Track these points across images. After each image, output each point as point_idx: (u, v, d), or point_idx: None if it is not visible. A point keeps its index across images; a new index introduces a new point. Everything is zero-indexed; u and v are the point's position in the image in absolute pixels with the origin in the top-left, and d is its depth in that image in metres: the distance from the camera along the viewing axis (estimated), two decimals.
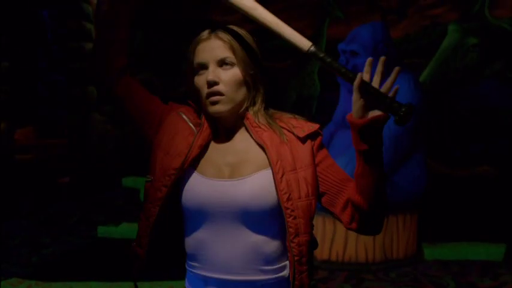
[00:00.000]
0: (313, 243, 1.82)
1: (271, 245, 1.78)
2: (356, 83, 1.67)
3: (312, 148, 1.81)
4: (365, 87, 1.66)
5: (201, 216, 1.80)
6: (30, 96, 9.58)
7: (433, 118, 8.18)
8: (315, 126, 1.84)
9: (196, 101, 1.87)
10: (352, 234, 5.16)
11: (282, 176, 1.74)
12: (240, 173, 1.78)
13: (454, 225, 6.19)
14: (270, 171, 1.76)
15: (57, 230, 6.59)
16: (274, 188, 1.75)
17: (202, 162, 1.83)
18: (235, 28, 1.87)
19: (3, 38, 7.16)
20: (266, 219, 1.77)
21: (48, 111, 9.90)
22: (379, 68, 1.71)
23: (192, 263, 1.86)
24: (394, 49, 5.51)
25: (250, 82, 1.81)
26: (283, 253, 1.81)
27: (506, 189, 6.97)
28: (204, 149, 1.84)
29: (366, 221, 1.80)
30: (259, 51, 1.87)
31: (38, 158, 9.56)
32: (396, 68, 1.68)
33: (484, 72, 8.06)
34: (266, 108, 1.85)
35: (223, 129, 1.86)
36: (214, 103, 1.78)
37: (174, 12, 10.09)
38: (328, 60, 1.73)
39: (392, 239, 5.29)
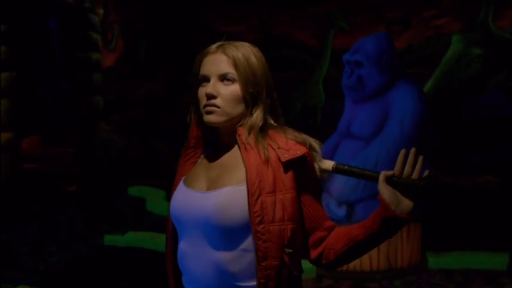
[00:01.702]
0: (287, 268, 1.76)
1: (240, 263, 1.76)
2: (380, 180, 1.75)
3: (296, 173, 1.77)
4: (390, 182, 1.75)
5: (180, 227, 1.86)
6: (37, 105, 9.63)
7: (436, 128, 8.21)
8: (301, 151, 1.77)
9: (198, 111, 1.89)
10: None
11: (258, 197, 1.72)
12: (215, 186, 1.80)
13: (458, 234, 6.20)
14: (245, 188, 1.74)
15: (63, 238, 6.62)
16: (246, 207, 1.73)
17: (193, 176, 1.89)
18: (245, 45, 1.87)
19: (10, 47, 7.22)
20: (234, 235, 1.75)
21: (54, 121, 9.95)
22: (411, 158, 1.76)
23: (183, 276, 1.91)
24: (398, 59, 5.55)
25: (249, 100, 1.81)
26: (254, 273, 1.77)
27: (509, 199, 6.98)
28: (199, 164, 1.92)
29: (337, 264, 1.85)
30: (266, 70, 1.87)
31: (44, 167, 9.61)
32: (421, 157, 1.77)
33: (487, 82, 8.09)
34: (266, 124, 1.83)
35: (222, 144, 1.89)
36: (209, 113, 1.80)
37: (179, 23, 10.15)
38: (351, 169, 1.84)
39: (397, 248, 5.30)
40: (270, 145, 1.78)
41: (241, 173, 1.77)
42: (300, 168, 1.77)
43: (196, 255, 1.81)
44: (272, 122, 1.84)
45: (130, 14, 10.46)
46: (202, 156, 1.93)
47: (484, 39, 8.10)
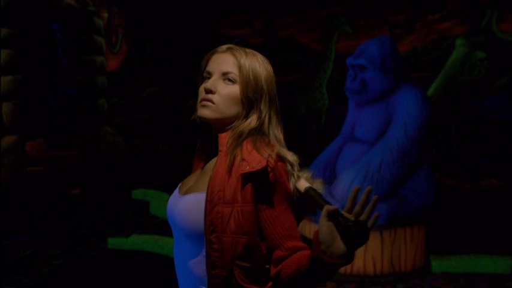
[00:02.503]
0: (237, 280, 1.72)
1: (203, 268, 1.76)
2: (322, 214, 1.60)
3: (255, 187, 1.71)
4: (331, 218, 1.58)
5: (172, 230, 1.90)
6: (41, 108, 9.65)
7: (440, 132, 8.21)
8: (261, 164, 1.69)
9: None
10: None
11: (214, 207, 1.71)
12: (188, 191, 1.83)
13: (462, 238, 6.20)
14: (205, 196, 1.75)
15: (67, 241, 6.63)
16: (202, 215, 1.73)
17: (188, 179, 1.93)
18: (256, 54, 1.88)
19: (14, 51, 7.24)
20: (197, 241, 1.75)
21: (58, 124, 9.97)
22: (363, 197, 1.61)
23: None
24: (401, 63, 5.56)
25: (246, 104, 1.81)
26: None
27: None
28: (199, 167, 1.95)
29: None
30: (270, 81, 1.86)
31: (48, 170, 9.63)
32: (375, 197, 1.59)
33: (491, 86, 8.08)
34: (257, 132, 1.80)
35: (215, 148, 1.86)
36: (203, 106, 1.81)
37: (183, 26, 10.17)
38: (319, 199, 1.69)
39: (400, 252, 5.31)
40: (237, 155, 1.74)
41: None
42: (260, 182, 1.70)
43: (178, 258, 1.86)
44: (268, 131, 1.81)
45: (134, 18, 10.48)
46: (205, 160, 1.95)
47: (488, 43, 8.10)
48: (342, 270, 5.28)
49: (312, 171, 1.84)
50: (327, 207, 1.58)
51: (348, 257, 1.58)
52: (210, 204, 1.71)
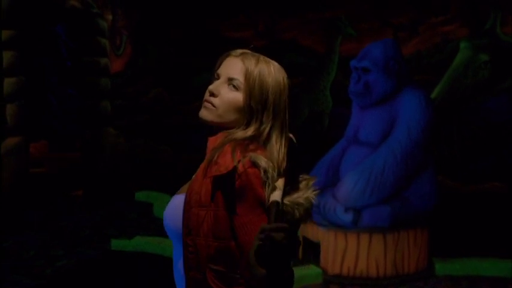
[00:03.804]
0: (209, 284, 1.70)
1: None
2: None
3: (224, 191, 1.69)
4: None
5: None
6: (44, 110, 9.66)
7: (443, 134, 8.20)
8: (227, 168, 1.66)
9: None
10: (364, 249, 5.19)
11: (190, 209, 1.72)
12: (179, 192, 1.84)
13: (465, 240, 6.19)
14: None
15: (70, 242, 6.63)
16: (181, 217, 1.74)
17: (186, 182, 1.91)
18: (269, 63, 1.83)
19: (18, 52, 7.25)
20: (181, 241, 1.76)
21: (61, 125, 9.98)
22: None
23: None
24: (405, 66, 5.56)
25: (247, 112, 1.78)
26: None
27: None
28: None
29: None
30: (279, 93, 1.80)
31: (51, 171, 9.64)
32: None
33: (494, 89, 8.07)
34: (251, 140, 1.76)
35: None
36: (204, 107, 1.81)
37: (186, 28, 10.18)
38: (275, 216, 1.59)
39: (403, 254, 5.30)
40: (214, 156, 1.73)
41: None
42: (227, 186, 1.68)
43: (173, 257, 1.87)
44: (264, 143, 1.76)
45: (138, 20, 10.50)
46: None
47: (492, 46, 8.09)
48: (344, 272, 5.28)
49: (316, 177, 1.83)
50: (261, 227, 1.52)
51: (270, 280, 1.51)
52: (187, 206, 1.73)
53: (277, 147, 1.75)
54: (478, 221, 6.76)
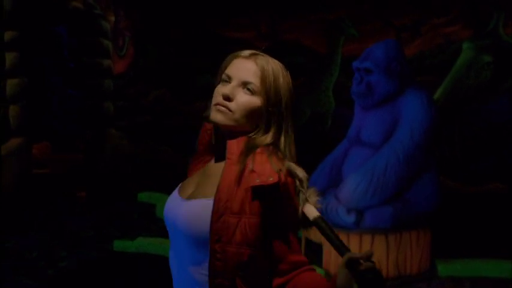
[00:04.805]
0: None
1: (205, 274, 1.74)
2: (342, 261, 1.66)
3: (264, 200, 1.68)
4: (349, 265, 1.64)
5: (169, 231, 1.86)
6: (47, 111, 9.67)
7: (446, 135, 8.20)
8: (273, 179, 1.66)
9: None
10: (366, 250, 5.18)
11: (221, 216, 1.67)
12: (192, 196, 1.78)
13: (467, 241, 6.18)
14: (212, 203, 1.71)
15: (73, 243, 6.64)
16: (208, 222, 1.69)
17: (188, 182, 1.89)
18: (278, 64, 1.83)
19: (20, 53, 7.27)
20: (200, 248, 1.72)
21: (64, 126, 9.99)
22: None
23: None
24: (407, 67, 5.55)
25: (264, 116, 1.77)
26: None
27: None
28: (199, 171, 1.90)
29: None
30: (290, 94, 1.81)
31: (54, 173, 9.65)
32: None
33: (497, 89, 8.07)
34: (271, 145, 1.77)
35: (223, 152, 1.83)
36: (218, 111, 1.75)
37: (188, 30, 10.18)
38: (327, 231, 1.72)
39: (406, 255, 5.29)
40: (248, 165, 1.70)
41: (216, 187, 1.73)
42: (269, 196, 1.68)
43: (176, 262, 1.84)
44: (284, 147, 1.77)
45: (141, 21, 10.50)
46: (208, 163, 1.90)
47: (495, 47, 8.08)
48: None
49: (315, 188, 1.82)
50: (348, 256, 1.63)
51: None
52: (217, 214, 1.68)
53: (294, 153, 1.79)
54: (480, 221, 6.75)
